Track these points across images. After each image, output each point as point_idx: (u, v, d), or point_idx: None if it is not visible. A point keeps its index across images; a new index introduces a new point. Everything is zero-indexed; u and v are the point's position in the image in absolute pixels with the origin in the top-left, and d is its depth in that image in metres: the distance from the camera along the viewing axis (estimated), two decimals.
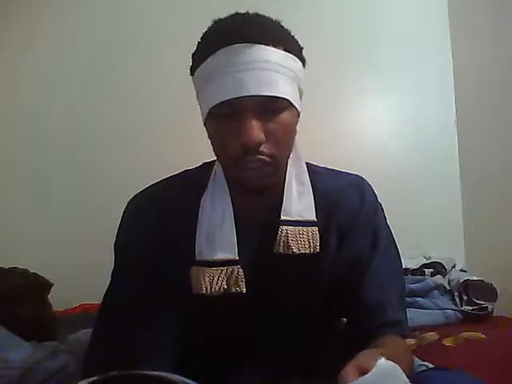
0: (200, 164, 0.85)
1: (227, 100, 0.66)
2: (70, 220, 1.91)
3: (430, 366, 0.97)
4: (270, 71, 0.66)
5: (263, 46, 0.66)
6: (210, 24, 0.73)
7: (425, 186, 1.90)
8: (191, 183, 0.80)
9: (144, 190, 0.86)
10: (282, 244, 0.72)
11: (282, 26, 0.74)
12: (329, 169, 0.86)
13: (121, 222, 0.84)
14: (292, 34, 0.75)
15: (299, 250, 0.72)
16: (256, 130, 0.66)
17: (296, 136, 0.77)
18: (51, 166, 1.95)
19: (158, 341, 0.76)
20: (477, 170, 1.86)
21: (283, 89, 0.67)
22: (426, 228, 1.86)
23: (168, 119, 1.89)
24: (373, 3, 1.99)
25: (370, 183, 0.87)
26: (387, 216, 0.88)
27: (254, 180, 0.72)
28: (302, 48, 0.75)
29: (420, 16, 1.97)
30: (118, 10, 2.00)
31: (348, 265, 0.78)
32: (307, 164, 0.82)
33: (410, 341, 1.27)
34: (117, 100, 1.93)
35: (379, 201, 0.86)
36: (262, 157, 0.69)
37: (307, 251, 0.73)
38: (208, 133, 0.74)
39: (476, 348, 1.14)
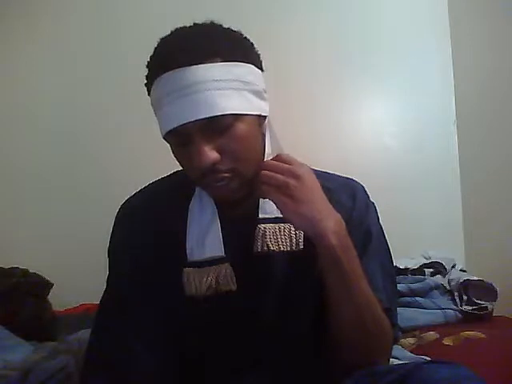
0: None
1: (171, 130, 0.67)
2: (70, 220, 1.91)
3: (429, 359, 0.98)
4: (206, 92, 0.65)
5: (198, 66, 0.65)
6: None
7: (425, 186, 1.90)
8: (180, 185, 0.80)
9: (134, 194, 0.87)
10: (259, 243, 0.70)
11: (223, 31, 0.72)
12: (319, 170, 0.84)
13: (113, 228, 0.85)
14: (236, 34, 0.73)
15: (279, 248, 0.70)
16: (206, 152, 0.66)
17: (278, 132, 0.76)
18: (51, 165, 1.95)
19: (154, 342, 0.76)
20: (477, 170, 1.86)
21: (225, 104, 0.66)
22: (426, 228, 1.86)
23: None
24: (373, 4, 1.99)
25: (363, 184, 0.86)
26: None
27: (222, 197, 0.73)
28: (252, 44, 0.74)
29: (420, 16, 1.97)
30: (118, 10, 2.00)
31: None
32: None
33: (410, 340, 1.28)
34: (117, 100, 1.92)
35: (372, 200, 0.85)
36: (222, 174, 0.69)
37: (288, 248, 0.70)
38: None
39: (476, 347, 1.14)
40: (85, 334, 1.15)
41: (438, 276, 1.57)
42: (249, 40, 0.74)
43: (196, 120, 0.65)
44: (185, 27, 0.73)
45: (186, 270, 0.74)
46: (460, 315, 1.42)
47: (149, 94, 0.72)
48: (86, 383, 0.79)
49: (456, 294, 1.47)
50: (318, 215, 0.67)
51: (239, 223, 0.75)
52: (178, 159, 0.73)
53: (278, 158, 0.73)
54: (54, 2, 2.04)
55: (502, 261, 1.66)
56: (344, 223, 0.70)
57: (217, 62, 0.67)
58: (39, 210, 1.94)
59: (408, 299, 1.45)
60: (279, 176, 0.68)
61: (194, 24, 0.73)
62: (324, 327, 0.75)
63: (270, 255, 0.71)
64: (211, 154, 0.67)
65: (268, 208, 0.72)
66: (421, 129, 1.93)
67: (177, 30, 0.73)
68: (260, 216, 0.72)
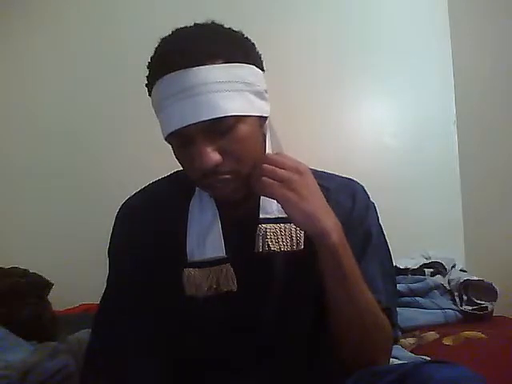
0: None
1: (173, 132, 0.67)
2: (70, 220, 1.91)
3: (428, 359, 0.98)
4: (208, 93, 0.65)
5: (199, 67, 0.65)
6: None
7: (425, 185, 1.90)
8: (180, 185, 0.80)
9: (134, 194, 0.87)
10: (260, 243, 0.69)
11: (224, 32, 0.72)
12: (318, 170, 0.84)
13: (113, 228, 0.85)
14: (237, 35, 0.73)
15: (280, 249, 0.70)
16: (209, 153, 0.66)
17: (278, 132, 0.76)
18: (51, 165, 1.95)
19: (154, 342, 0.77)
20: (477, 170, 1.86)
21: (227, 106, 0.65)
22: (426, 228, 1.86)
23: None
24: (373, 4, 1.99)
25: (363, 185, 0.86)
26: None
27: (223, 197, 0.73)
28: (253, 45, 0.74)
29: (420, 16, 1.97)
30: (118, 10, 2.00)
31: None
32: None
33: (410, 340, 1.28)
34: (117, 100, 1.92)
35: (372, 201, 0.85)
36: (223, 176, 0.69)
37: (289, 249, 0.70)
38: None
39: (476, 347, 1.14)
40: (85, 334, 1.15)
41: (438, 276, 1.57)
42: (250, 40, 0.74)
43: (198, 122, 0.65)
44: (185, 28, 0.72)
45: (187, 270, 0.74)
46: (460, 315, 1.42)
47: (149, 95, 0.72)
48: (86, 383, 0.79)
49: (456, 294, 1.47)
50: (318, 213, 0.67)
51: (240, 223, 0.75)
52: (179, 160, 0.73)
53: (278, 154, 0.72)
54: (54, 2, 2.04)
55: (501, 261, 1.66)
56: (340, 224, 0.70)
57: (218, 63, 0.66)
58: (39, 209, 1.94)
59: (408, 299, 1.45)
60: (282, 171, 0.68)
61: (195, 24, 0.73)
62: (324, 327, 0.75)
63: (270, 255, 0.71)
64: (213, 156, 0.67)
65: (269, 208, 0.72)
66: (421, 129, 1.93)
67: (177, 30, 0.73)
68: (261, 216, 0.72)
